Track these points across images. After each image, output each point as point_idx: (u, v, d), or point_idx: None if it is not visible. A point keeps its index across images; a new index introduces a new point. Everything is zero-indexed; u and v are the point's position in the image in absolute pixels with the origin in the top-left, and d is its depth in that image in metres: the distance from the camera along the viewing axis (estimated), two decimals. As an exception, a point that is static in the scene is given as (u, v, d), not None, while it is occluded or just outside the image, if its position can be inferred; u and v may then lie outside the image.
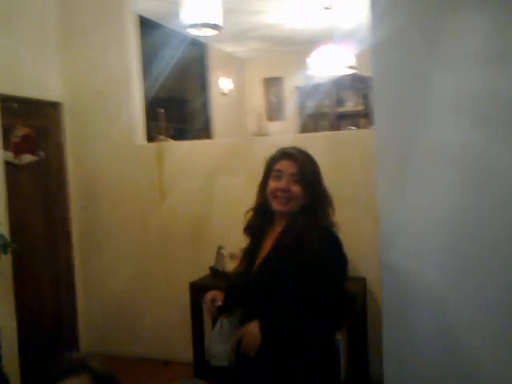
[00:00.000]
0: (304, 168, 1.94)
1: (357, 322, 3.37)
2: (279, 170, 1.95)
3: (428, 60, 1.92)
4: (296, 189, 1.92)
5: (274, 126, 7.53)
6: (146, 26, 5.01)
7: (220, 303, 1.94)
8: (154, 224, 4.23)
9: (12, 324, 3.43)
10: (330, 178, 3.64)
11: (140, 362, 4.28)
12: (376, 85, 2.00)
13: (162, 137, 4.29)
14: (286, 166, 1.94)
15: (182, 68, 5.81)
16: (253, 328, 1.81)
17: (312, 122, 7.53)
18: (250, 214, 2.08)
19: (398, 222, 2.05)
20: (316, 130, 7.38)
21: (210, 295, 1.98)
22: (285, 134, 6.91)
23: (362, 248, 3.57)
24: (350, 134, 4.34)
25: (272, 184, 1.95)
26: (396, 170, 2.03)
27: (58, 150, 4.36)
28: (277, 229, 1.99)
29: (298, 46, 6.93)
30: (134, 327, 4.38)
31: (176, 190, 4.15)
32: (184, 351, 3.93)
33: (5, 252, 3.14)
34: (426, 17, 1.91)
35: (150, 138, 4.43)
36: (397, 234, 2.05)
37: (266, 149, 3.90)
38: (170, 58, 5.58)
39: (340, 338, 3.39)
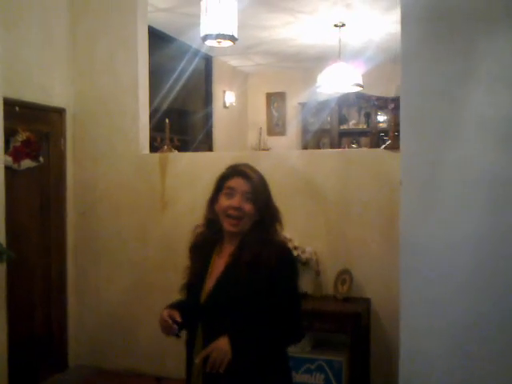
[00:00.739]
0: (256, 186, 1.93)
1: (360, 342, 3.29)
2: (232, 188, 1.93)
3: (458, 80, 1.88)
4: (248, 207, 1.91)
5: (274, 141, 7.50)
6: (153, 36, 4.97)
7: (179, 320, 1.88)
8: (154, 234, 4.15)
9: (2, 338, 3.32)
10: (338, 196, 3.67)
11: (132, 377, 4.17)
12: (403, 104, 1.95)
13: (167, 147, 4.23)
14: (238, 183, 1.93)
15: (186, 79, 5.78)
16: (222, 344, 1.78)
17: (313, 139, 7.51)
18: (199, 230, 2.06)
19: (420, 246, 1.99)
20: (317, 146, 7.36)
21: (166, 312, 1.92)
22: (292, 149, 6.87)
23: (367, 268, 3.54)
24: (361, 152, 4.29)
25: (224, 202, 1.93)
26: (421, 191, 1.97)
27: (58, 157, 4.29)
28: (228, 246, 1.97)
29: (304, 63, 6.93)
30: (128, 340, 4.28)
31: (178, 201, 4.08)
32: (178, 367, 3.81)
33: (1, 260, 3.04)
34: (457, 36, 1.87)
35: (154, 148, 4.37)
36: (418, 258, 1.99)
37: (271, 163, 3.90)
38: (175, 69, 5.54)
39: (342, 358, 3.32)
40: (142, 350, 4.21)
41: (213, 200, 1.99)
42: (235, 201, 1.90)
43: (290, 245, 3.55)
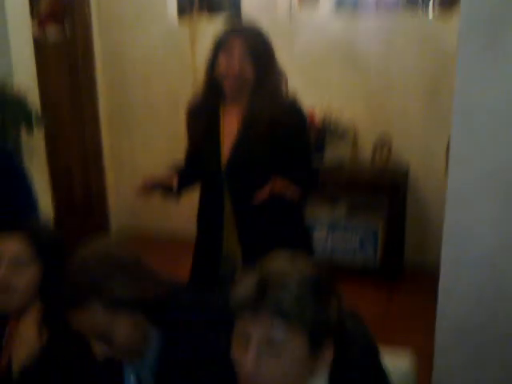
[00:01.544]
0: (256, 45, 1.84)
1: (397, 211, 3.30)
2: (231, 47, 1.84)
3: None
4: (248, 67, 1.84)
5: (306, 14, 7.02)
6: None
7: (175, 185, 1.91)
8: (186, 102, 4.08)
9: (48, 201, 3.42)
10: (380, 64, 3.49)
11: (169, 242, 4.31)
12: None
13: (196, 12, 4.00)
14: (237, 43, 1.84)
15: None
16: (281, 179, 1.81)
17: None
18: (200, 91, 1.98)
19: (474, 116, 1.86)
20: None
21: (164, 175, 1.97)
22: (330, 12, 6.44)
23: (407, 138, 3.50)
24: (405, 18, 3.97)
25: (223, 62, 1.84)
26: (479, 59, 1.79)
27: (84, 26, 4.11)
28: (234, 108, 1.92)
29: None
30: (166, 207, 4.37)
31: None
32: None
33: (38, 124, 3.02)
34: None
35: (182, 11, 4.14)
36: (471, 133, 1.87)
37: (308, 29, 3.67)
38: None
39: (378, 222, 3.37)
40: (180, 216, 4.31)
41: (213, 60, 1.90)
42: (234, 61, 1.82)
43: (328, 113, 3.47)
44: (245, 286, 0.99)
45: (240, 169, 1.89)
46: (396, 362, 1.22)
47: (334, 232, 3.45)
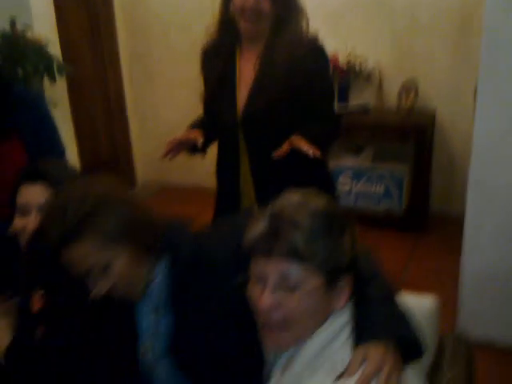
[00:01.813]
0: None
1: (423, 158, 3.24)
2: None
3: None
4: (266, 2, 1.68)
5: None
6: None
7: (200, 142, 1.76)
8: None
9: (73, 151, 3.46)
10: (405, 4, 3.34)
11: (195, 190, 4.32)
12: None
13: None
14: None
15: None
16: (300, 137, 1.67)
17: None
18: (212, 31, 1.83)
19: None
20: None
21: (188, 134, 1.81)
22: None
23: (434, 80, 3.39)
24: None
25: None
26: None
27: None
28: (251, 50, 1.77)
29: None
30: (191, 159, 4.37)
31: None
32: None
33: (60, 73, 2.99)
34: None
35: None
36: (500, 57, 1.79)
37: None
38: None
39: (403, 168, 3.32)
40: (205, 166, 4.32)
41: None
42: None
43: (352, 57, 3.37)
44: (257, 223, 0.99)
45: (256, 117, 1.77)
46: (418, 305, 1.23)
47: (359, 180, 3.42)
